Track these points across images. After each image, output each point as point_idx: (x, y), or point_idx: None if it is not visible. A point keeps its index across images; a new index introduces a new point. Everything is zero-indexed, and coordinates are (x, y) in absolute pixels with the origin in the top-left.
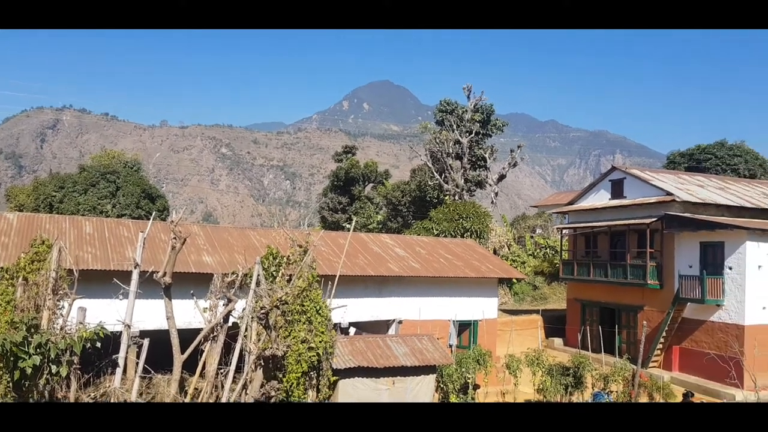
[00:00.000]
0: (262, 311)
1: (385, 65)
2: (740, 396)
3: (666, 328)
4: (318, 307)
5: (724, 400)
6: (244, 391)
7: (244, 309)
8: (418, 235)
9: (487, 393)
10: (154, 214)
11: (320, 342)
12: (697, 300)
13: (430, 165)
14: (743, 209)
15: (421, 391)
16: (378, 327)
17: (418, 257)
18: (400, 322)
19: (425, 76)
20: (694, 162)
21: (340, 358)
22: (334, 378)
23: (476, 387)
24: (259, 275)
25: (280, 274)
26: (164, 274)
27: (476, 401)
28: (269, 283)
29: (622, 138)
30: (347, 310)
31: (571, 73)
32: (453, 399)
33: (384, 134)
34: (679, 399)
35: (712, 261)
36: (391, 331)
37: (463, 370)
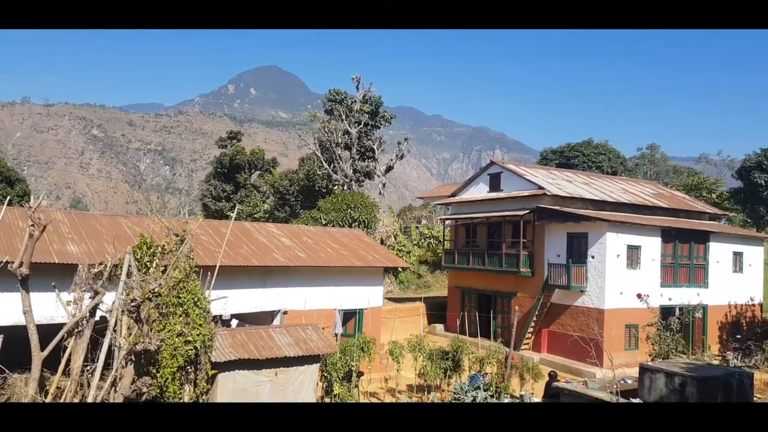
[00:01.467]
0: (133, 304)
1: (273, 50)
2: (600, 374)
3: (536, 313)
4: (196, 299)
5: (585, 379)
6: (113, 389)
7: (113, 302)
8: (306, 224)
9: (371, 379)
10: (8, 198)
11: (198, 335)
12: (563, 286)
13: (319, 154)
14: (605, 203)
15: (305, 381)
16: (262, 318)
17: (304, 247)
18: (285, 312)
19: (315, 64)
20: (564, 159)
21: (220, 351)
22: (213, 372)
23: (360, 374)
24: (130, 266)
25: (154, 265)
26: (20, 265)
27: (359, 387)
28: (142, 274)
29: (501, 134)
30: (229, 301)
31: (456, 70)
32: (336, 387)
33: (272, 121)
34: (546, 379)
35: (578, 250)
36: (276, 321)
37: (348, 358)
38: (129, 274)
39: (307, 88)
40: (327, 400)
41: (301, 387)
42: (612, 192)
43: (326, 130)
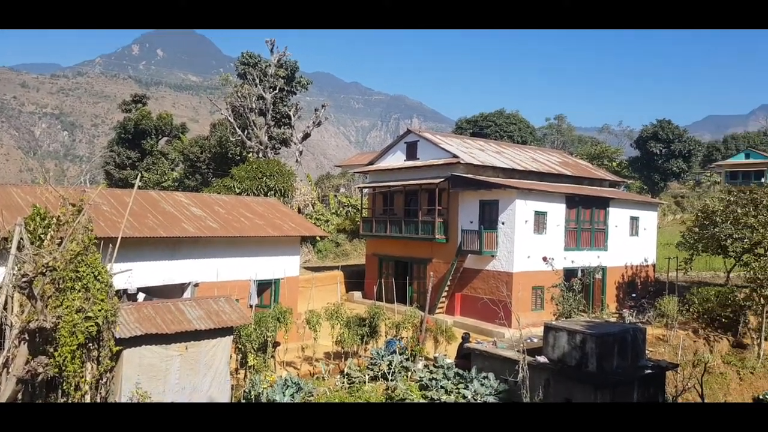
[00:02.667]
0: (25, 279)
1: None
2: (508, 334)
3: (450, 278)
4: (96, 273)
5: (494, 339)
6: (5, 370)
7: (3, 278)
8: (219, 193)
9: (288, 349)
10: None
11: (100, 310)
12: (476, 252)
13: (232, 120)
14: (515, 171)
15: (217, 354)
16: (172, 291)
17: (216, 217)
18: (196, 285)
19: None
20: (478, 128)
21: (125, 327)
22: (118, 348)
23: (276, 345)
24: (21, 238)
25: (48, 237)
26: None
27: (275, 358)
28: (35, 247)
29: (418, 103)
30: (135, 274)
31: (374, 36)
32: (251, 358)
33: (181, 85)
34: (459, 340)
35: (489, 217)
36: (187, 294)
37: (263, 329)
38: (20, 248)
39: (219, 51)
40: (241, 372)
41: (213, 360)
42: (521, 161)
43: (239, 94)
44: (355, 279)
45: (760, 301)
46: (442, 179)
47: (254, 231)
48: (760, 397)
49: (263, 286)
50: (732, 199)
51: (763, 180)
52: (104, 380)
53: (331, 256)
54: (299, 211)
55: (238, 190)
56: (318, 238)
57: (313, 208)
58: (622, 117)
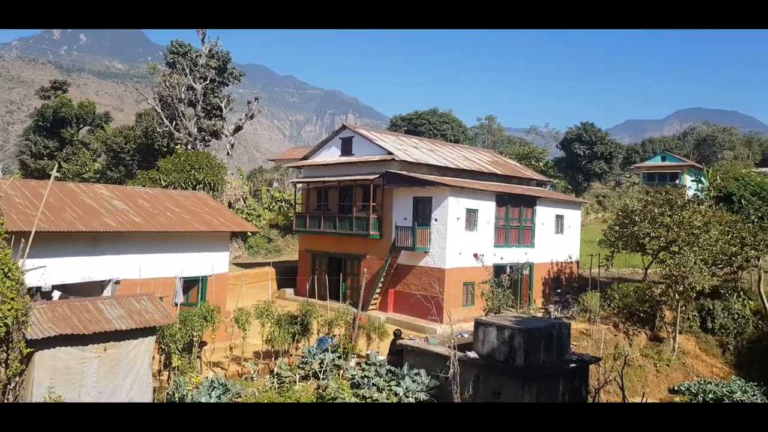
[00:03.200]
0: None
1: None
2: (440, 330)
3: (384, 274)
4: (6, 270)
5: (426, 335)
6: None
7: None
8: (144, 186)
9: (214, 349)
10: None
11: (9, 310)
12: (409, 248)
13: (159, 110)
14: (448, 169)
15: (139, 355)
16: (91, 289)
17: (140, 211)
18: (117, 282)
19: None
20: (412, 126)
21: (38, 327)
22: (29, 350)
23: (203, 344)
24: None
25: None
26: None
27: (201, 358)
28: None
29: (354, 99)
30: (50, 271)
31: (309, 30)
32: (175, 359)
33: (105, 72)
34: (391, 337)
35: (422, 214)
36: (107, 292)
37: (188, 328)
38: None
39: (147, 38)
40: (165, 373)
41: (134, 362)
42: (454, 159)
43: (168, 84)
44: (287, 276)
45: (675, 296)
46: (377, 176)
47: (181, 226)
48: (675, 388)
49: (190, 284)
50: (649, 199)
51: (677, 181)
52: (13, 385)
53: (263, 252)
54: (229, 205)
55: (164, 183)
56: (249, 233)
57: (245, 202)
58: (548, 119)
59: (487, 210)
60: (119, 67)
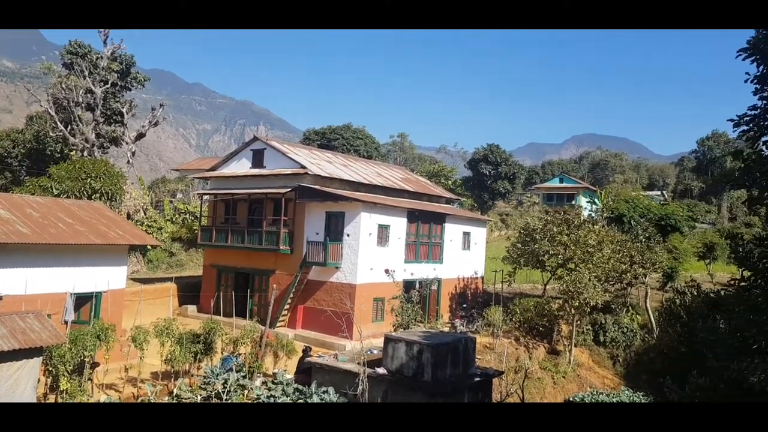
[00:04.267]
0: None
1: None
2: (349, 346)
3: (293, 290)
4: None
5: (336, 352)
6: None
7: None
8: (33, 194)
9: (108, 370)
10: None
11: None
12: (320, 263)
13: (53, 113)
14: (361, 185)
15: (22, 377)
16: None
17: (28, 220)
18: None
19: None
20: (325, 140)
21: None
22: None
23: (95, 365)
24: None
25: None
26: None
27: (93, 380)
28: None
29: (266, 110)
30: None
31: (221, 37)
32: (64, 382)
33: None
34: (300, 354)
35: (335, 228)
36: None
37: (79, 348)
38: None
39: (41, 36)
40: (51, 397)
41: (17, 385)
42: (367, 175)
43: (64, 86)
44: (190, 292)
45: (571, 311)
46: (289, 189)
47: (74, 238)
48: (570, 399)
49: (83, 300)
50: (549, 219)
51: (574, 202)
52: None
53: (164, 266)
54: (129, 216)
55: (56, 192)
56: (149, 247)
57: (145, 214)
58: (458, 139)
59: (399, 226)
60: (8, 65)
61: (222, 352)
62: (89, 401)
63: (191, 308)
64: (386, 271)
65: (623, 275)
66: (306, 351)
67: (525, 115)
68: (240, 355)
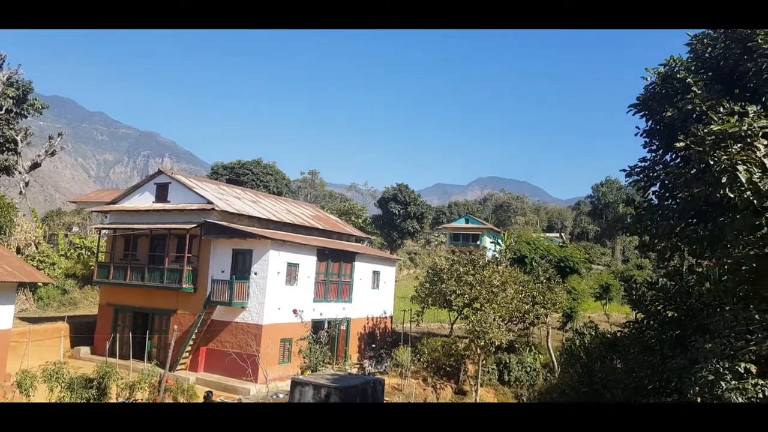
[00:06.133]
0: None
1: None
2: (254, 390)
3: (196, 331)
4: None
5: (240, 396)
6: None
7: None
8: None
9: None
10: None
11: None
12: (226, 303)
13: None
14: (270, 221)
15: None
16: None
17: None
18: None
19: None
20: (234, 175)
21: None
22: None
23: None
24: None
25: None
26: None
27: None
28: None
29: (171, 142)
30: None
31: (125, 67)
32: None
33: None
34: (201, 399)
35: (242, 267)
36: None
37: None
38: None
39: None
40: None
41: None
42: (277, 212)
43: None
44: (84, 332)
45: (477, 350)
46: (195, 225)
47: None
48: None
49: None
50: (455, 258)
51: (479, 242)
52: None
53: (56, 305)
54: (18, 251)
55: None
56: (40, 284)
57: (37, 248)
58: (367, 178)
59: (309, 264)
60: None
61: (117, 398)
62: None
63: (84, 350)
64: (294, 311)
65: (526, 315)
66: (207, 396)
67: (432, 157)
68: (136, 401)
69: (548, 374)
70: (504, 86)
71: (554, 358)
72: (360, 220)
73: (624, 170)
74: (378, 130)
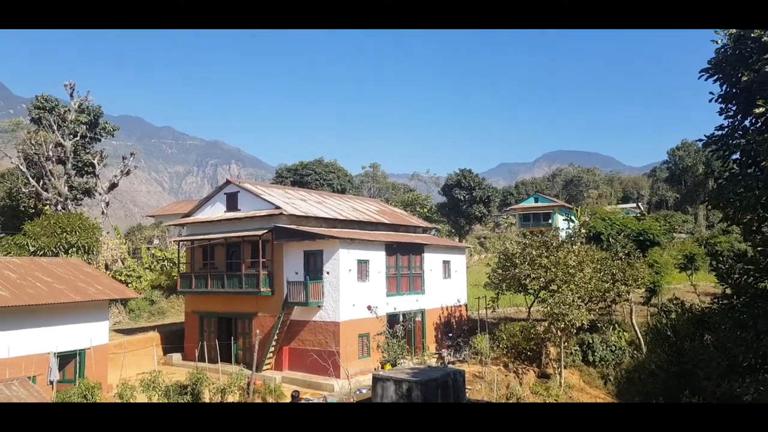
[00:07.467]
0: None
1: None
2: (338, 386)
3: (277, 331)
4: None
5: (325, 394)
6: None
7: None
8: (8, 253)
9: None
10: None
11: None
12: (302, 303)
13: (24, 169)
14: (337, 221)
15: None
16: None
17: (7, 283)
18: None
19: (16, 63)
20: (298, 176)
21: None
22: None
23: None
24: None
25: None
26: None
27: None
28: None
29: (237, 149)
30: None
31: (189, 80)
32: None
33: None
34: (288, 399)
35: (314, 267)
36: None
37: None
38: None
39: (9, 91)
40: None
41: None
42: (342, 210)
43: (33, 142)
44: (173, 339)
45: (557, 333)
46: (266, 230)
47: (53, 297)
48: None
49: (67, 358)
50: (527, 242)
51: (550, 221)
52: None
53: (146, 315)
54: (107, 267)
55: (32, 249)
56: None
57: (123, 263)
58: (429, 165)
59: (378, 260)
60: None
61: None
62: None
63: (176, 357)
64: (368, 307)
65: (606, 294)
66: (294, 396)
67: (494, 136)
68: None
69: (635, 351)
70: (566, 52)
71: (640, 335)
72: (425, 210)
73: (701, 140)
74: (436, 114)
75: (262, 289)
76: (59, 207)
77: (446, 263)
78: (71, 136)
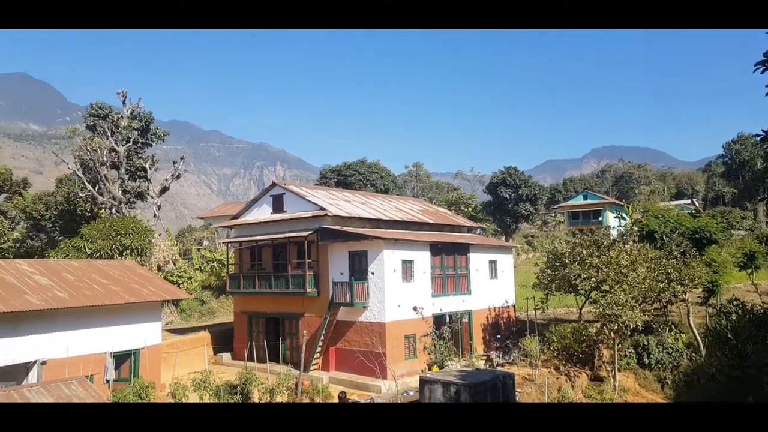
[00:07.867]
0: None
1: (20, 56)
2: (384, 388)
3: (324, 332)
4: None
5: (372, 396)
6: None
7: None
8: (67, 255)
9: None
10: None
11: None
12: (348, 303)
13: (81, 174)
14: (381, 221)
15: None
16: (14, 373)
17: (65, 285)
18: (43, 363)
19: (72, 71)
20: (342, 177)
21: None
22: None
23: None
24: None
25: None
26: None
27: None
28: None
29: (282, 151)
30: None
31: (234, 85)
32: None
33: (22, 134)
34: (336, 400)
35: (359, 267)
36: (32, 375)
37: None
38: None
39: (64, 98)
40: None
41: None
42: (386, 210)
43: (89, 148)
44: (223, 339)
45: (610, 334)
46: (311, 232)
47: (109, 298)
48: None
49: (122, 358)
50: (577, 241)
51: (600, 219)
52: None
53: (196, 315)
54: (159, 269)
55: (89, 251)
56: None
57: (174, 265)
58: (473, 163)
59: (423, 260)
60: (36, 128)
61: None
62: None
63: (226, 356)
64: (414, 308)
65: (661, 294)
66: (341, 397)
67: (540, 133)
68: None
69: (693, 354)
70: (614, 47)
71: (698, 337)
72: (470, 209)
73: (758, 135)
74: (478, 111)
75: (308, 290)
76: (114, 210)
77: (493, 263)
78: (124, 142)
